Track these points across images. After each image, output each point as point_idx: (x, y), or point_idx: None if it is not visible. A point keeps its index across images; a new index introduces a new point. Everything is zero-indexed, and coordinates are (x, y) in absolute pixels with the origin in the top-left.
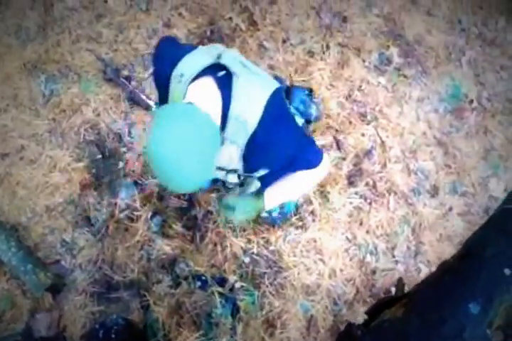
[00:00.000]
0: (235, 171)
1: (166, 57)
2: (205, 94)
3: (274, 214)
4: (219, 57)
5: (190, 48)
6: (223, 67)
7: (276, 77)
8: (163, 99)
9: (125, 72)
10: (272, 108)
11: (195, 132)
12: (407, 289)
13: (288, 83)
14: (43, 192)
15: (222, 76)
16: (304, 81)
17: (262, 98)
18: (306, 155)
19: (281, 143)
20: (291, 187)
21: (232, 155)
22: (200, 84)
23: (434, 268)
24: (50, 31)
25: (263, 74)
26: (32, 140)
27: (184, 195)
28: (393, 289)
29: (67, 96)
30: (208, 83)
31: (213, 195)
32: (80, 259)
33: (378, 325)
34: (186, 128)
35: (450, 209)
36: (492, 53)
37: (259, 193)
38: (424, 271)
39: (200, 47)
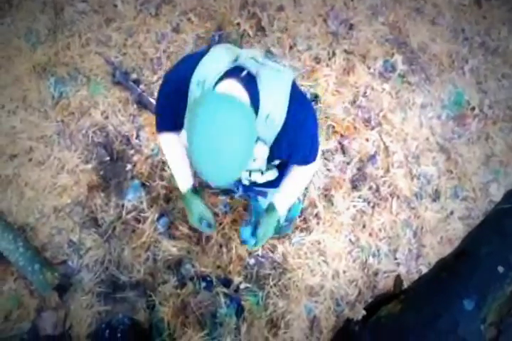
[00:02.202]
0: (259, 170)
1: (185, 60)
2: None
3: (281, 223)
4: (236, 59)
5: (202, 51)
6: (242, 68)
7: None
8: (172, 104)
9: (134, 76)
10: (295, 100)
11: (240, 117)
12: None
13: None
14: (51, 193)
15: (244, 76)
16: (309, 86)
17: (285, 94)
18: (314, 145)
19: (305, 125)
20: (295, 185)
21: (260, 154)
22: (226, 87)
23: None
24: (60, 34)
25: (274, 65)
26: (40, 141)
27: None
28: None
29: (76, 98)
30: (234, 85)
31: (220, 197)
32: (86, 260)
33: (376, 321)
34: (232, 113)
35: (451, 213)
36: (494, 62)
37: (269, 206)
38: None
39: (213, 49)
